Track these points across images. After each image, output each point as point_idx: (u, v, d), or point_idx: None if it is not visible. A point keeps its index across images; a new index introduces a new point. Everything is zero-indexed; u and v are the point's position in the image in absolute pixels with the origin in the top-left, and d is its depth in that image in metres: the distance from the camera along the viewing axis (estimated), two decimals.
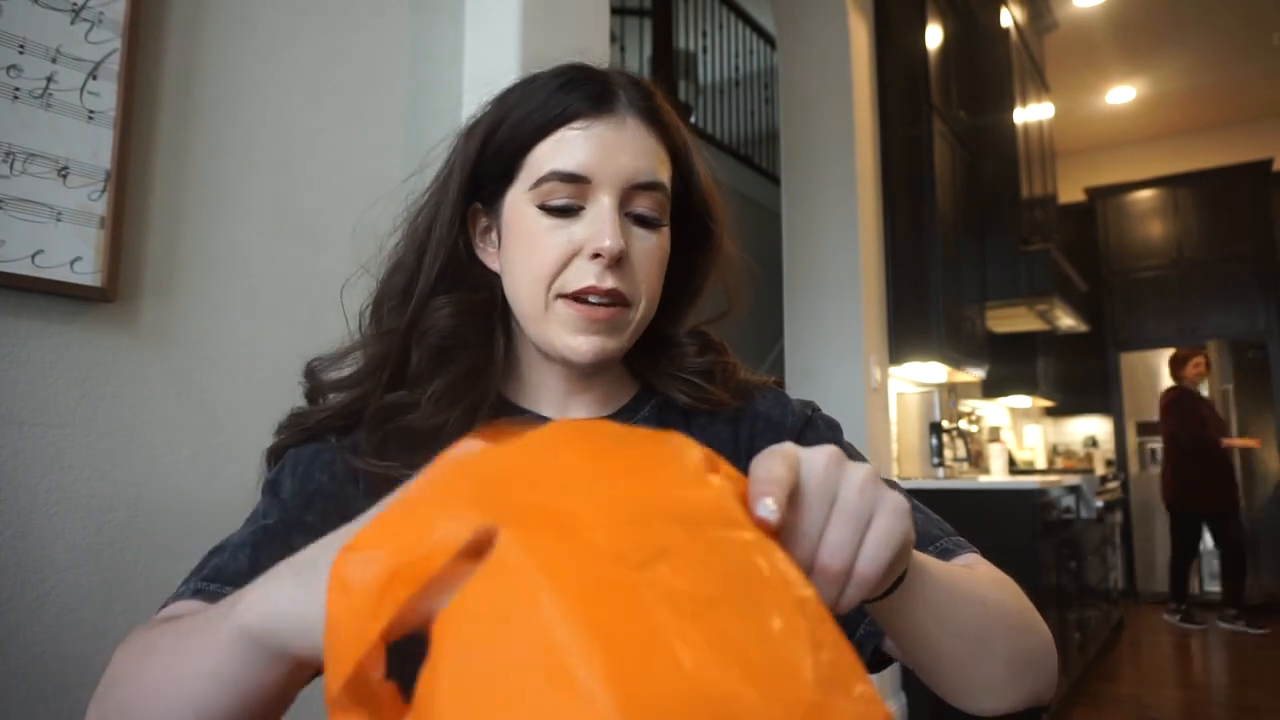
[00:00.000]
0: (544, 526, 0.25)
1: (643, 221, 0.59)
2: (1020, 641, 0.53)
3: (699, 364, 0.67)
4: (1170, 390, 4.74)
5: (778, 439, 0.66)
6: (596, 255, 0.56)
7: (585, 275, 0.57)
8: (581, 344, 0.58)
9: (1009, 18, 4.23)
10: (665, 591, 0.24)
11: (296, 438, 0.60)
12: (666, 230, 0.61)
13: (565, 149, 0.57)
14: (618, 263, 0.57)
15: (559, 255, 0.57)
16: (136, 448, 1.03)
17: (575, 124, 0.57)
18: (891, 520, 0.36)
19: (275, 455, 0.62)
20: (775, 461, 0.34)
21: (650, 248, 0.60)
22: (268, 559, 0.51)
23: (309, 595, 0.32)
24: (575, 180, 0.57)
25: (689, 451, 0.32)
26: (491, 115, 0.61)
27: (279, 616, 0.33)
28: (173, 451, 1.06)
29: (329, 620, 0.27)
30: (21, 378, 0.93)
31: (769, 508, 0.32)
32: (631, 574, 0.24)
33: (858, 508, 0.35)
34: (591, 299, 0.57)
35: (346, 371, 0.63)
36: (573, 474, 0.28)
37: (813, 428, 0.68)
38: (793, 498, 0.34)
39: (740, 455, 0.66)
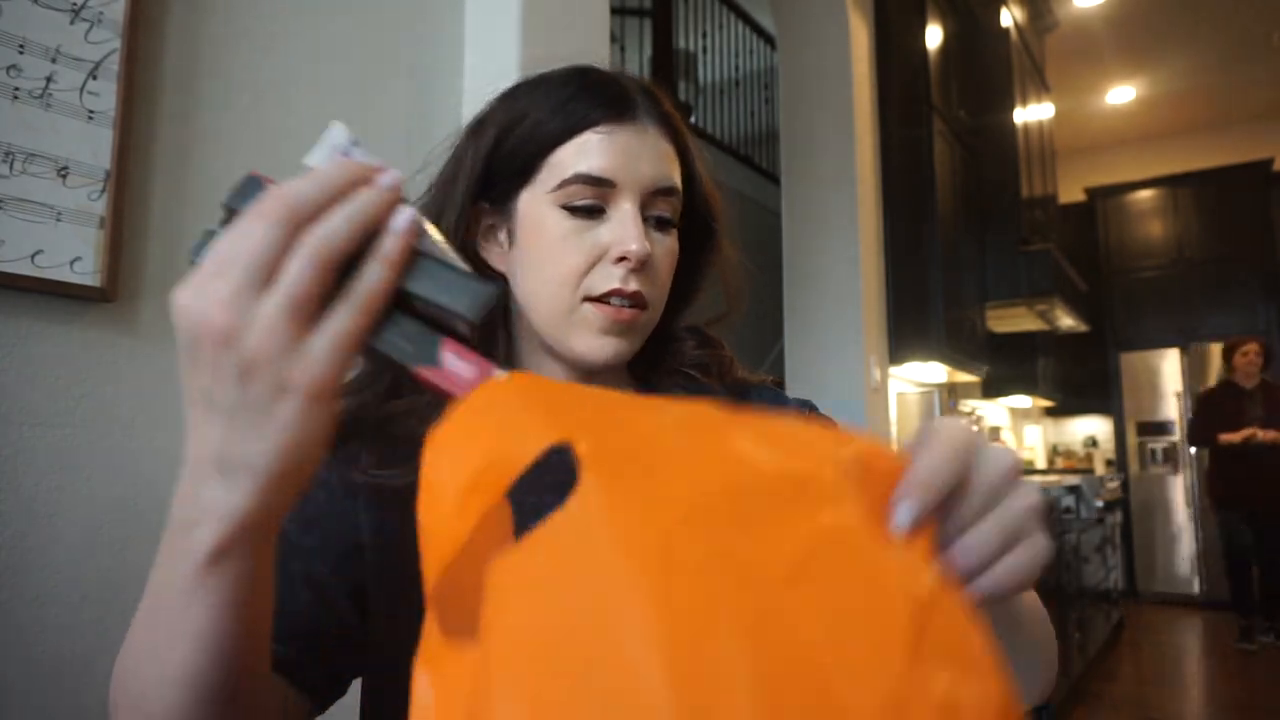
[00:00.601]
0: (627, 473, 0.25)
1: (660, 225, 0.61)
2: (1048, 638, 0.56)
3: (695, 357, 0.68)
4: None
5: None
6: (622, 259, 0.57)
7: (610, 279, 0.57)
8: (603, 345, 0.59)
9: (1009, 17, 4.23)
10: (741, 574, 0.22)
11: None
12: (676, 232, 0.62)
13: (590, 153, 0.58)
14: (641, 266, 0.58)
15: (585, 259, 0.58)
16: (136, 448, 1.03)
17: (599, 128, 0.58)
18: (1033, 555, 0.34)
19: None
20: (945, 459, 0.31)
21: (665, 252, 0.61)
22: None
23: (249, 486, 0.33)
24: (600, 184, 0.58)
25: (823, 433, 0.29)
26: (503, 114, 0.61)
27: (241, 518, 0.33)
28: (173, 451, 1.06)
29: (421, 526, 0.29)
30: (21, 378, 0.93)
31: (905, 516, 0.29)
32: (708, 545, 0.23)
33: (1015, 523, 0.33)
34: (614, 301, 0.58)
35: (345, 378, 0.62)
36: (661, 432, 0.28)
37: None
38: (958, 489, 0.32)
39: None
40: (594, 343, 0.59)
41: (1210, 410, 4.37)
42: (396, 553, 0.57)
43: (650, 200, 0.59)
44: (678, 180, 0.61)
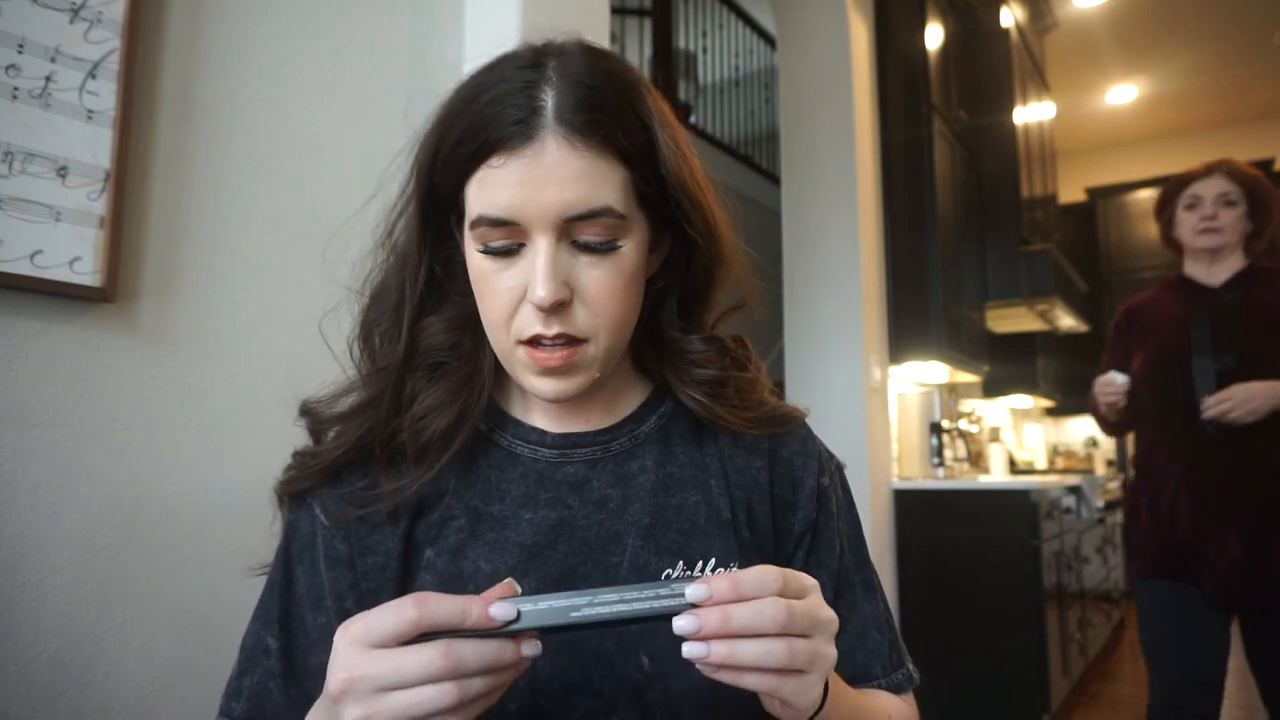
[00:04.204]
0: None
1: (590, 249, 0.54)
2: None
3: (707, 375, 0.63)
4: None
5: (793, 495, 0.64)
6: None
7: (532, 323, 0.54)
8: (542, 386, 0.56)
9: (1009, 17, 4.23)
10: None
11: (316, 480, 0.60)
12: (625, 250, 0.55)
13: (487, 191, 0.53)
14: (560, 306, 0.53)
15: (507, 302, 0.54)
16: (136, 448, 1.03)
17: (493, 160, 0.52)
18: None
19: (287, 497, 0.61)
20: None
21: (602, 275, 0.54)
22: (297, 692, 0.55)
23: None
24: (503, 224, 0.53)
25: None
26: (434, 135, 0.57)
27: None
28: (173, 451, 1.06)
29: None
30: (21, 378, 0.93)
31: (688, 624, 0.41)
32: None
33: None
34: (543, 344, 0.54)
35: (345, 406, 0.62)
36: None
37: (825, 511, 0.65)
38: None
39: (771, 498, 0.64)
40: (536, 383, 0.56)
41: (1119, 354, 1.93)
42: (397, 584, 0.57)
43: (569, 227, 0.52)
44: (603, 198, 0.52)
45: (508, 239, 0.53)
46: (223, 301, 1.14)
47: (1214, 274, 1.82)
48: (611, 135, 0.53)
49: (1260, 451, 1.66)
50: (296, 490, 0.60)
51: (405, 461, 0.59)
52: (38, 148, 0.94)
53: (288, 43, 1.25)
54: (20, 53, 0.93)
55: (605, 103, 0.53)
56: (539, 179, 0.51)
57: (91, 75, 0.99)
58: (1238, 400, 1.64)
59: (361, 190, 1.30)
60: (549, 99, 0.52)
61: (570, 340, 0.54)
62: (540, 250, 0.52)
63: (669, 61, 4.11)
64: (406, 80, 1.43)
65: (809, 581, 0.45)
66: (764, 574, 0.43)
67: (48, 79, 0.95)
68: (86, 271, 0.97)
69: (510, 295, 0.54)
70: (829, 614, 0.45)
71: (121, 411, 1.01)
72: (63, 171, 0.96)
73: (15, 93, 0.93)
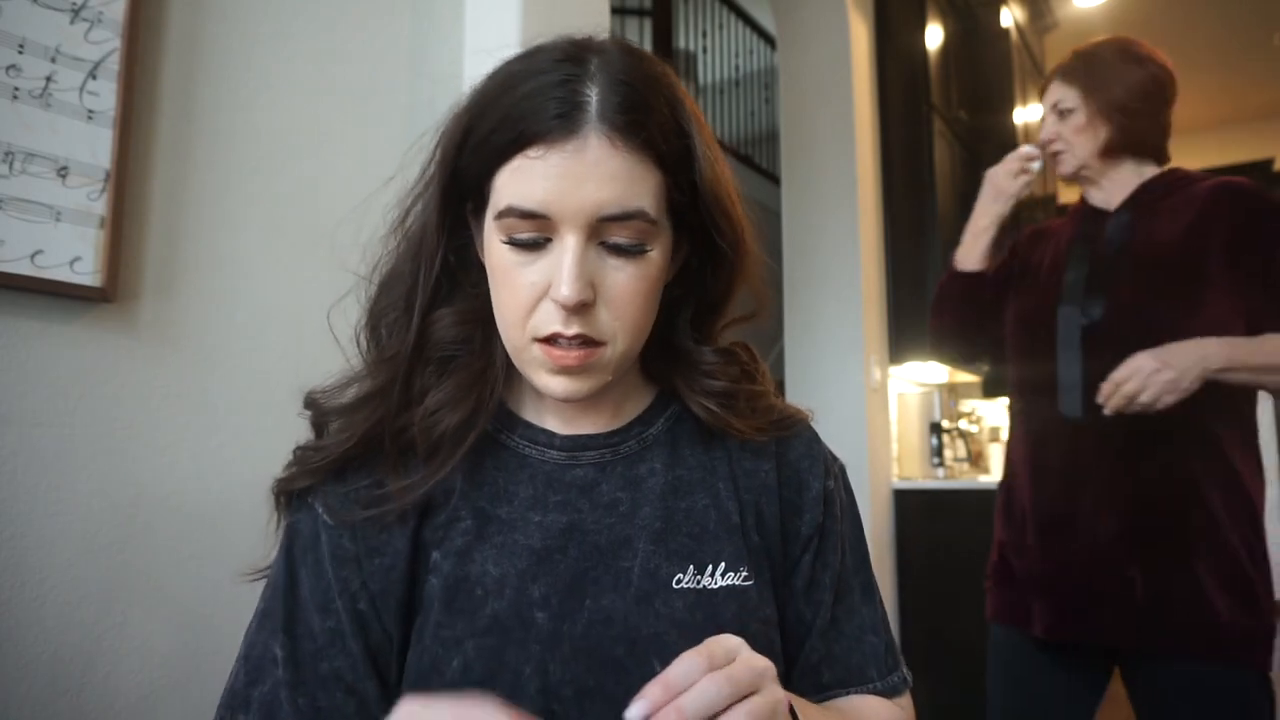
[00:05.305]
0: None
1: (620, 250, 0.53)
2: None
3: (718, 387, 0.63)
4: None
5: (800, 498, 0.65)
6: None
7: (552, 320, 0.53)
8: (555, 385, 0.55)
9: (1009, 17, 4.23)
10: None
11: (319, 476, 0.58)
12: (653, 255, 0.55)
13: (522, 181, 0.52)
14: (583, 307, 0.53)
15: (528, 298, 0.53)
16: (136, 448, 1.03)
17: (532, 151, 0.51)
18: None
19: (285, 496, 0.60)
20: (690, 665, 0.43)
21: (627, 279, 0.54)
22: (305, 701, 0.53)
23: None
24: (534, 217, 0.52)
25: None
26: (465, 119, 0.56)
27: None
28: (173, 451, 1.06)
29: None
30: (21, 378, 0.93)
31: (636, 711, 0.40)
32: None
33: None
34: (560, 343, 0.54)
35: (350, 397, 0.61)
36: None
37: (830, 513, 0.65)
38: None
39: (780, 501, 0.64)
40: (549, 382, 0.55)
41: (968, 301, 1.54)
42: (405, 587, 0.56)
43: (600, 227, 0.52)
44: (638, 201, 0.52)
45: (535, 232, 0.52)
46: (223, 301, 1.14)
47: (1109, 196, 1.39)
48: (652, 139, 0.53)
49: (1146, 444, 1.14)
50: (298, 487, 0.59)
51: (415, 459, 0.58)
52: (38, 148, 0.94)
53: (288, 43, 1.25)
54: (20, 53, 0.93)
55: (648, 105, 0.53)
56: (578, 174, 0.51)
57: (92, 75, 0.99)
58: (1144, 377, 1.06)
59: (362, 189, 1.30)
60: (593, 95, 0.52)
61: (588, 341, 0.54)
62: (569, 248, 0.52)
63: (669, 62, 4.11)
64: (407, 80, 1.43)
65: (731, 642, 0.46)
66: (687, 660, 0.43)
67: (48, 79, 0.95)
68: (87, 271, 0.97)
69: (531, 291, 0.53)
70: (763, 662, 0.46)
71: (121, 411, 1.01)
72: (63, 171, 0.96)
73: (15, 93, 0.93)
